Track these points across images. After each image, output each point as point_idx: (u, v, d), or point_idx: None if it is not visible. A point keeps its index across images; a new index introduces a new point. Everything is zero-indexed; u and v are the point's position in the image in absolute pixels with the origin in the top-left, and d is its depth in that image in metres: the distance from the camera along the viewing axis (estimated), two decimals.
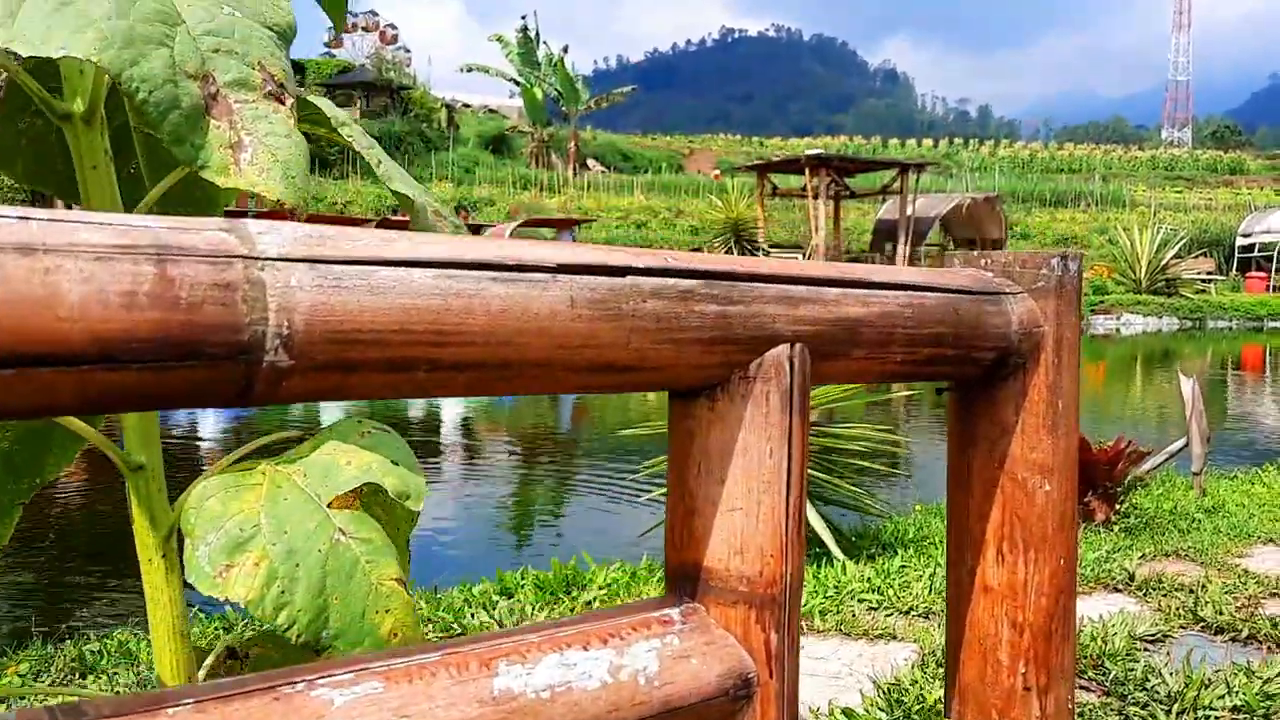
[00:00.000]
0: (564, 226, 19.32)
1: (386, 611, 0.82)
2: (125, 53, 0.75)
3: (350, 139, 0.96)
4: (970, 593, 1.02)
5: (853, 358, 0.84)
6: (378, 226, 12.75)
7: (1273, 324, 25.10)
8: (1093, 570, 3.50)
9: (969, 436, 1.02)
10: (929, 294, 0.89)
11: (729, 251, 23.77)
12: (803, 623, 2.97)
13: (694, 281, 0.74)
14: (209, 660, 1.04)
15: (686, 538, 0.80)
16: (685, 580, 0.81)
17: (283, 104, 0.81)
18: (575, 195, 33.11)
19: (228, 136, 0.77)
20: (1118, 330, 23.90)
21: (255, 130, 0.78)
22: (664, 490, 0.86)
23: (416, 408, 11.16)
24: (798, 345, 0.79)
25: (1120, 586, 3.39)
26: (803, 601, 3.13)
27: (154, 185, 0.99)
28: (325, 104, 0.96)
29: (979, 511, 1.01)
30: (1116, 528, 4.10)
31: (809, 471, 3.29)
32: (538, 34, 39.77)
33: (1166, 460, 4.96)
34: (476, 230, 17.63)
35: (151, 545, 0.95)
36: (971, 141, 66.01)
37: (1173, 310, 24.99)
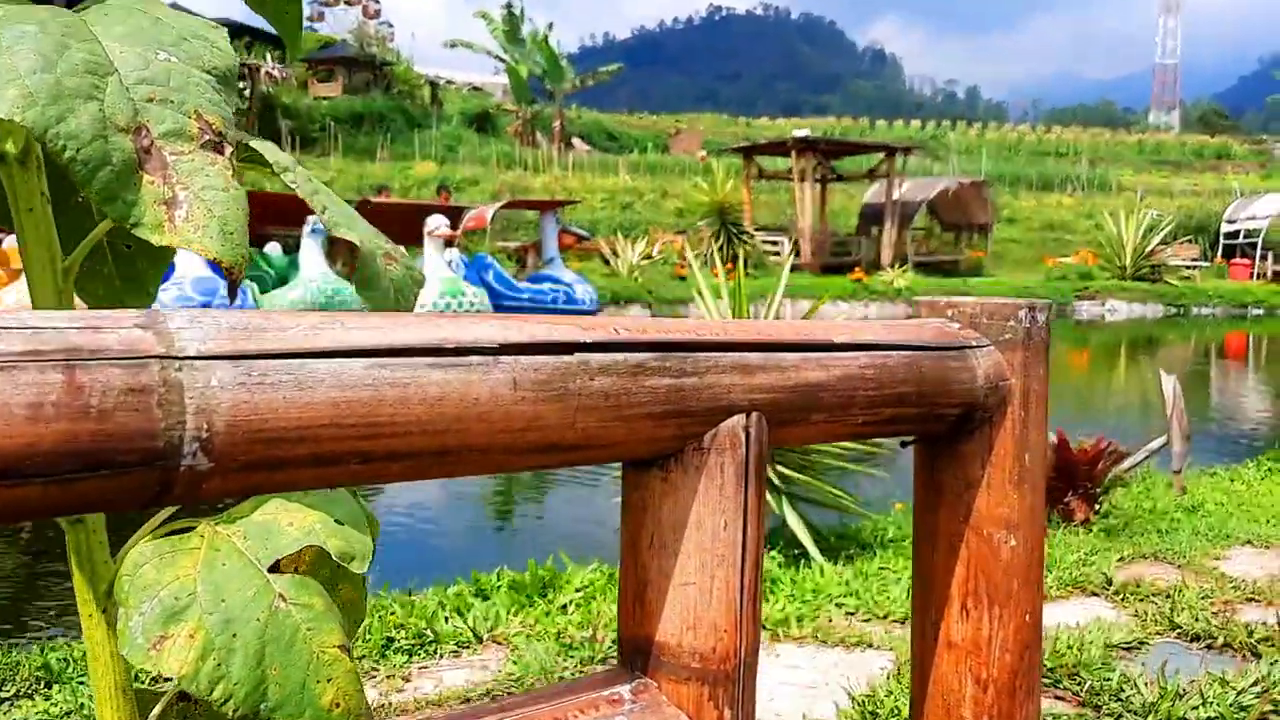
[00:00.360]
0: (547, 209, 19.18)
1: (328, 680, 0.80)
2: (50, 110, 0.71)
3: (294, 185, 0.93)
4: (934, 647, 1.00)
5: (812, 422, 0.82)
6: (358, 207, 12.60)
7: (1256, 312, 25.22)
8: (1071, 574, 3.50)
9: (934, 489, 1.00)
10: (892, 353, 0.86)
11: (716, 234, 23.72)
12: (778, 629, 2.96)
13: (646, 354, 0.71)
14: (157, 709, 1.01)
15: (639, 611, 0.78)
16: (637, 655, 0.78)
17: (221, 154, 0.78)
18: (560, 175, 32.96)
19: (162, 192, 0.74)
20: (1103, 317, 23.99)
21: (191, 184, 0.75)
22: None
23: None
24: (754, 414, 0.77)
25: (1098, 591, 3.39)
26: (780, 606, 3.12)
27: (102, 217, 0.95)
28: (268, 148, 0.93)
29: (944, 565, 0.99)
30: (1096, 528, 4.11)
31: (787, 472, 3.28)
32: (523, 11, 39.54)
33: (1147, 458, 4.96)
34: (458, 212, 17.52)
35: (91, 601, 0.92)
36: (959, 124, 66.00)
37: (1157, 297, 25.08)
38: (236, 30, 39.89)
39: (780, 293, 4.20)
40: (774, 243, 25.54)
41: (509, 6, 39.34)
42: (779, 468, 3.74)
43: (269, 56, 20.64)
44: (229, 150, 0.78)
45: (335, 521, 0.86)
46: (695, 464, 0.75)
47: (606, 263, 22.35)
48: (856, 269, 24.33)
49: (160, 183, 0.74)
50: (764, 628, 3.00)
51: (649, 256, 23.47)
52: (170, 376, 0.53)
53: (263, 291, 15.43)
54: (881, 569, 3.58)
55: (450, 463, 0.64)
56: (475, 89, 51.95)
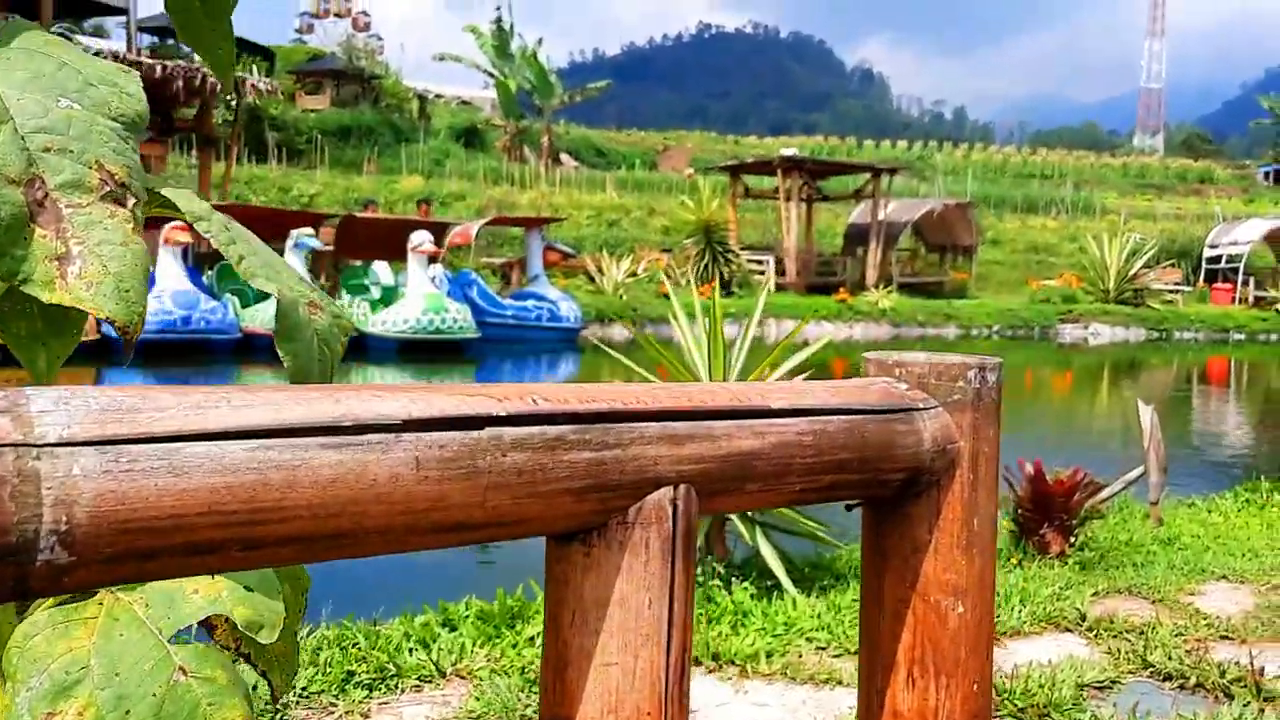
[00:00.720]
0: (532, 226, 19.16)
1: None
2: None
3: (209, 234, 0.89)
4: (880, 717, 0.96)
5: (746, 492, 0.79)
6: (341, 222, 12.56)
7: (1237, 337, 25.36)
8: (1044, 609, 3.47)
9: (880, 553, 0.96)
10: (833, 418, 0.83)
11: (701, 253, 23.73)
12: (747, 665, 2.92)
13: (565, 427, 0.67)
14: None
15: (559, 691, 0.74)
16: None
17: (123, 206, 0.74)
18: (547, 191, 32.95)
19: (54, 247, 0.70)
20: (1086, 340, 24.07)
21: (87, 239, 0.71)
22: None
23: None
24: (682, 487, 0.73)
25: (1071, 627, 3.36)
26: (750, 641, 3.08)
27: None
28: (182, 196, 0.89)
29: (890, 632, 0.95)
30: (1071, 560, 4.08)
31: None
32: (512, 26, 39.59)
33: (1124, 489, 4.95)
34: (442, 228, 17.47)
35: None
36: (946, 144, 66.36)
37: (1140, 320, 25.19)
38: None
39: (758, 314, 4.16)
40: (759, 262, 25.57)
41: (499, 21, 39.41)
42: None
43: (255, 69, 20.60)
44: (133, 202, 0.75)
45: (244, 588, 0.82)
46: (619, 539, 0.72)
47: (592, 280, 22.34)
48: (841, 289, 24.38)
49: (53, 237, 0.70)
50: (732, 663, 2.96)
51: (634, 274, 23.46)
52: (27, 467, 0.49)
53: (245, 305, 15.36)
54: (854, 601, 3.54)
55: (347, 546, 0.60)
56: (464, 103, 51.96)
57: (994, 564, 0.96)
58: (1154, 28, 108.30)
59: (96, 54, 0.84)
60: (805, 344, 4.50)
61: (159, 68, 17.18)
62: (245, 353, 14.64)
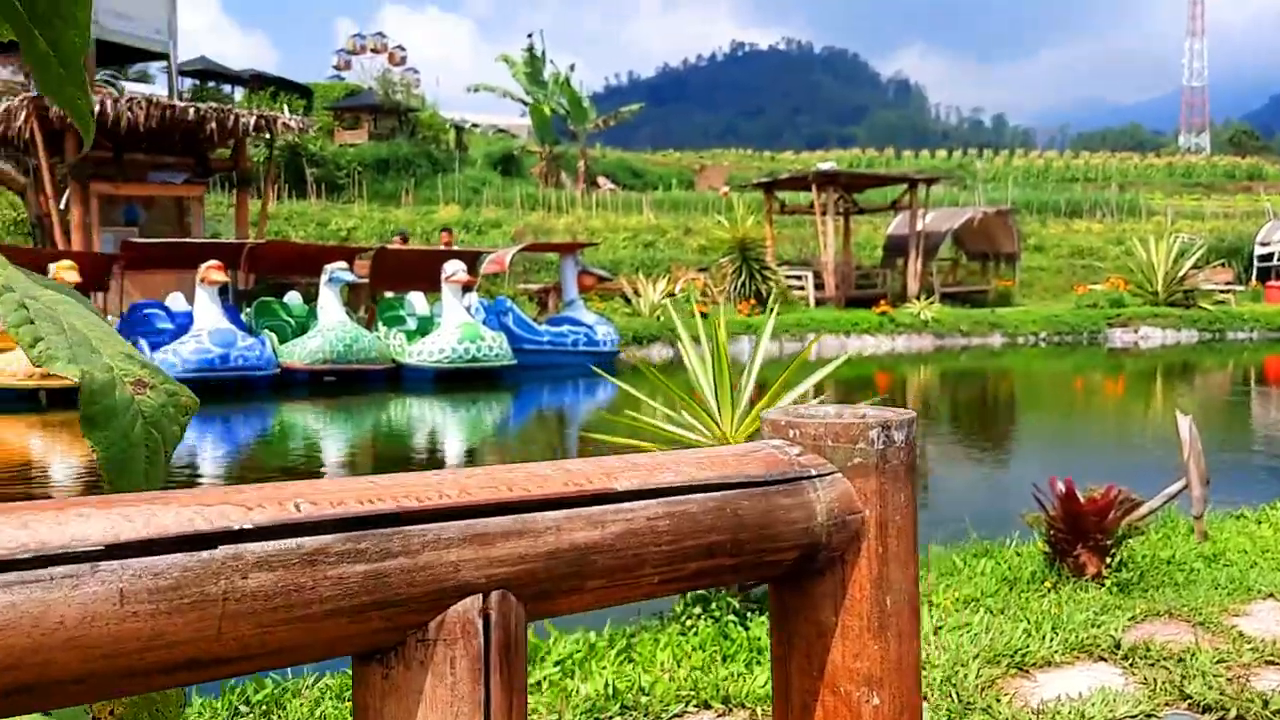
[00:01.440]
0: (567, 251, 19.15)
1: None
2: None
3: None
4: None
5: (587, 590, 0.68)
6: (375, 255, 12.63)
7: None
8: (1077, 636, 3.30)
9: (784, 637, 0.85)
10: (696, 496, 0.72)
11: (737, 271, 23.58)
12: (758, 708, 2.79)
13: (331, 536, 0.57)
14: None
15: None
16: None
17: None
18: (584, 215, 33.01)
19: None
20: (1136, 344, 23.57)
21: None
22: None
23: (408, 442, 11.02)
24: (495, 594, 0.62)
25: (1106, 655, 3.19)
26: (763, 682, 2.95)
27: None
28: None
29: None
30: (1109, 582, 3.90)
31: None
32: (544, 54, 39.83)
33: (1165, 504, 4.75)
34: (475, 257, 17.49)
35: None
36: (986, 151, 65.72)
37: (1191, 322, 24.61)
38: (263, 81, 40.51)
39: (765, 337, 4.02)
40: (798, 277, 25.37)
41: (530, 49, 39.67)
42: None
43: (287, 108, 20.87)
44: None
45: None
46: (419, 658, 0.61)
47: (628, 302, 22.27)
48: (882, 301, 24.09)
49: None
50: (743, 705, 2.83)
51: (671, 294, 23.36)
52: None
53: (282, 341, 15.46)
54: None
55: (36, 699, 0.50)
56: (500, 131, 52.34)
57: (916, 647, 0.84)
58: (1194, 26, 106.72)
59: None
60: (843, 358, 4.33)
61: (192, 110, 17.41)
62: (284, 388, 14.73)
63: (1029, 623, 3.41)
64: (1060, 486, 4.05)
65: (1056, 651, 3.20)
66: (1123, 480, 8.67)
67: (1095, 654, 3.21)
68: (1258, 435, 11.50)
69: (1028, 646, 3.18)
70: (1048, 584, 3.92)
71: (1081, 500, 3.99)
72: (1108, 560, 3.96)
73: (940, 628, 3.44)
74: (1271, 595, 3.79)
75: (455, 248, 20.13)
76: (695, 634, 3.33)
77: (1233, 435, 11.39)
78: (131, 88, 36.48)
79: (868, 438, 0.80)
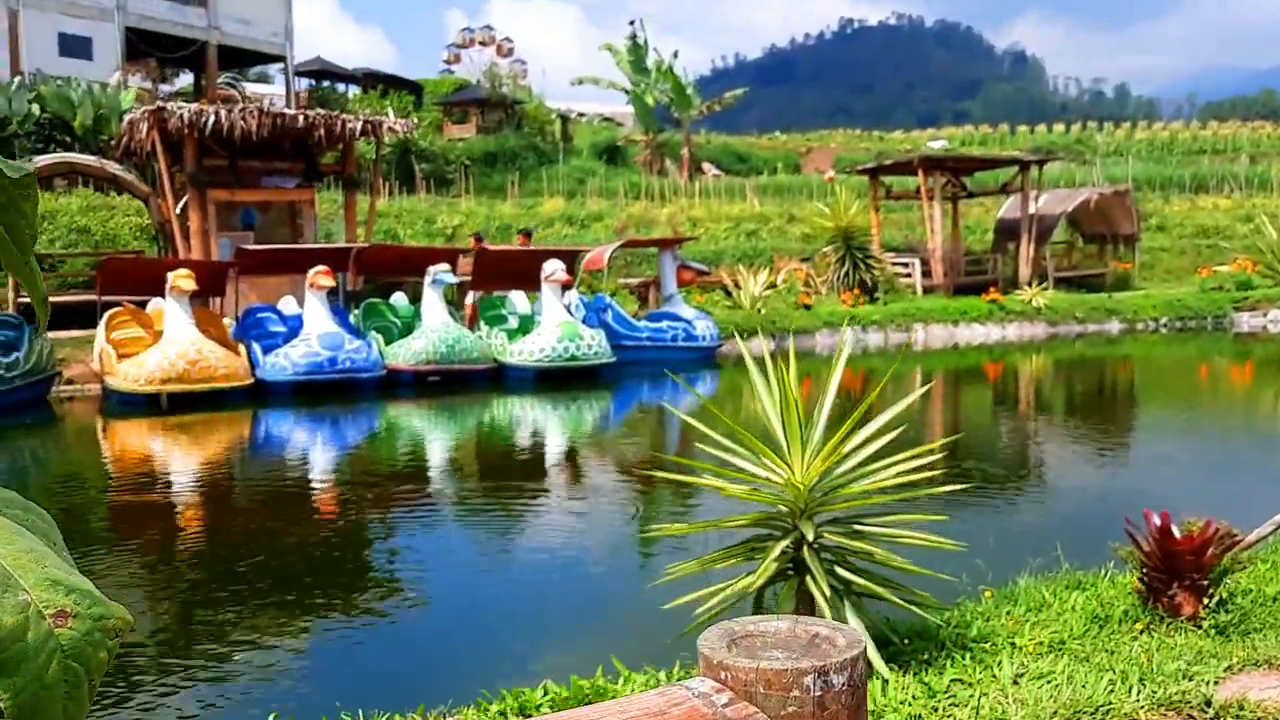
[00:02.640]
0: (665, 246, 19.11)
1: None
2: None
3: None
4: None
5: None
6: (476, 255, 12.85)
7: None
8: (1166, 690, 3.14)
9: None
10: None
11: (840, 260, 23.22)
12: None
13: None
14: None
15: None
16: None
17: None
18: (687, 205, 32.88)
19: None
20: (1265, 328, 22.47)
21: None
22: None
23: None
24: None
25: (1195, 714, 3.03)
26: None
27: None
28: None
29: None
30: (1206, 624, 3.70)
31: (848, 575, 3.00)
32: (646, 41, 39.74)
33: (1274, 531, 4.49)
34: (573, 256, 17.57)
35: None
36: (1106, 124, 63.35)
37: None
38: (375, 79, 41.43)
39: (839, 371, 3.88)
40: (904, 265, 24.87)
41: (634, 37, 39.62)
42: (839, 570, 3.49)
43: (390, 110, 21.27)
44: None
45: None
46: None
47: (729, 295, 22.14)
48: (992, 289, 23.45)
49: None
50: None
51: (773, 285, 23.14)
52: None
53: (388, 342, 15.81)
54: (955, 682, 3.28)
55: None
56: (606, 120, 52.53)
57: None
58: None
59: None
60: (921, 391, 4.17)
61: (301, 118, 17.91)
62: (390, 389, 15.07)
63: (1115, 672, 3.25)
64: (1155, 520, 3.86)
65: (1143, 707, 3.05)
66: (1242, 483, 8.29)
67: (1184, 711, 3.05)
68: None
69: (1110, 703, 3.03)
70: (1140, 625, 3.75)
71: (1177, 535, 3.80)
72: (1205, 600, 3.76)
73: (1021, 675, 3.31)
74: None
75: (550, 246, 20.28)
76: None
77: None
78: (252, 89, 37.73)
79: (802, 685, 0.74)
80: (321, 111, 18.37)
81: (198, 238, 18.42)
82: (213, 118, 17.15)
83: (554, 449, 11.27)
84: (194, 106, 17.36)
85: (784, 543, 3.39)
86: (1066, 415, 12.86)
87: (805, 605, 3.52)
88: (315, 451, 11.53)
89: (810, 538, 3.30)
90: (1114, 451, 9.93)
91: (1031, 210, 24.49)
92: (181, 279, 13.89)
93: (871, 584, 3.46)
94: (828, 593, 3.29)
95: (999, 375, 17.35)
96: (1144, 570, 3.86)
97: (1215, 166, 40.88)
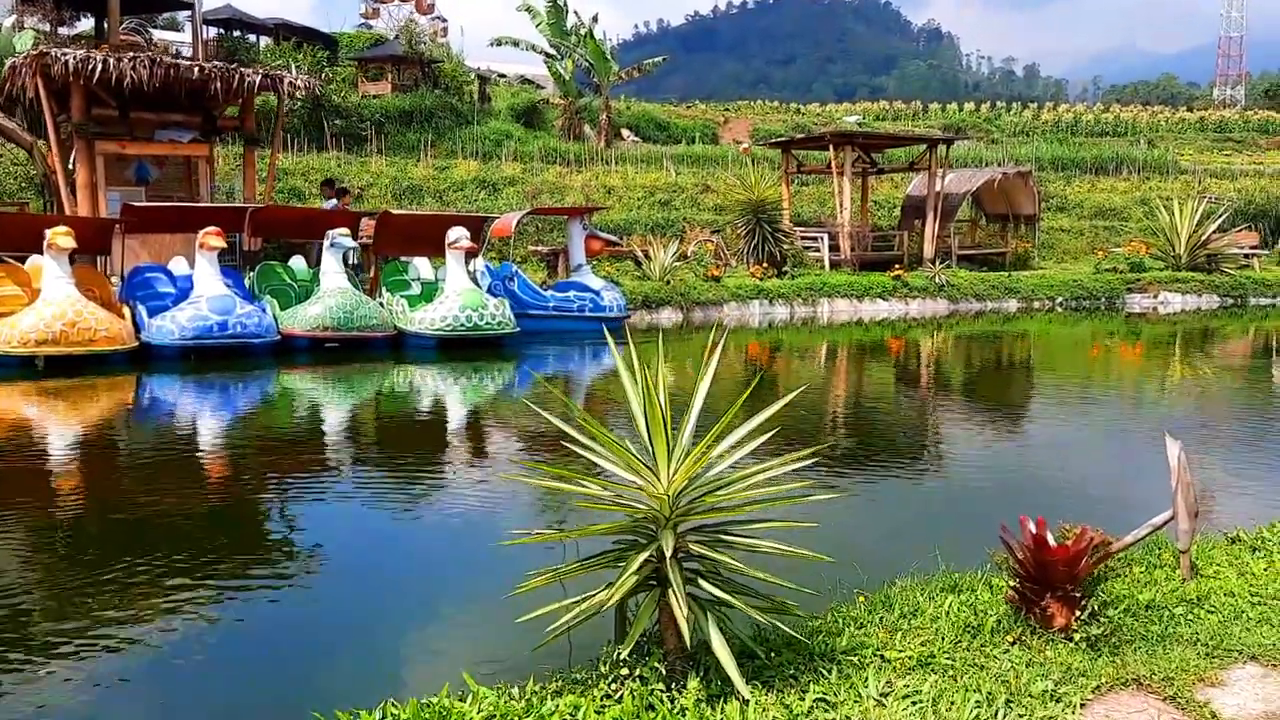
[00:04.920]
0: (574, 215, 18.81)
1: None
2: None
3: None
4: None
5: None
6: (378, 219, 12.43)
7: None
8: (1033, 713, 3.04)
9: None
10: None
11: (750, 233, 23.18)
12: None
13: None
14: None
15: None
16: None
17: None
18: (602, 172, 32.53)
19: None
20: (1154, 309, 23.09)
21: None
22: None
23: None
24: None
25: None
26: None
27: None
28: None
29: None
30: (1078, 636, 3.63)
31: (711, 589, 2.83)
32: (566, 3, 39.02)
33: (1150, 533, 4.47)
34: (480, 223, 17.13)
35: None
36: (1014, 105, 64.45)
37: (1213, 288, 24.10)
38: (289, 31, 39.98)
39: (708, 376, 3.67)
40: (813, 239, 24.95)
41: (553, 0, 38.86)
42: (702, 582, 3.33)
43: (292, 66, 20.44)
44: None
45: None
46: None
47: (639, 265, 21.95)
48: (897, 265, 23.67)
49: None
50: None
51: (684, 256, 23.01)
52: None
53: (284, 307, 15.28)
54: (818, 701, 3.15)
55: None
56: (526, 81, 51.63)
57: None
58: None
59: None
60: (794, 393, 4.00)
61: (197, 70, 17.10)
62: (285, 355, 14.58)
63: (982, 693, 3.16)
64: (1031, 528, 3.78)
65: None
66: (1122, 461, 8.38)
67: None
68: (1266, 410, 11.11)
69: None
70: (1011, 636, 3.66)
71: (1052, 543, 3.73)
72: (1077, 612, 3.69)
73: (888, 694, 3.20)
74: (1254, 658, 3.52)
75: (457, 213, 19.75)
76: (619, 702, 3.10)
77: (1240, 409, 11.03)
78: (160, 35, 36.08)
79: None
80: (219, 63, 17.55)
81: (84, 191, 17.56)
82: (100, 65, 16.28)
83: (437, 429, 10.84)
84: (80, 53, 16.43)
85: (643, 555, 3.21)
86: (960, 395, 12.96)
87: (668, 618, 3.36)
88: (192, 420, 11.04)
89: (669, 550, 3.13)
90: (1003, 436, 10.00)
91: (938, 189, 24.73)
92: (60, 236, 13.20)
93: (733, 597, 3.30)
94: (685, 611, 3.12)
95: (898, 351, 17.49)
96: (1018, 580, 3.79)
97: (1116, 149, 41.87)
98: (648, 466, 3.31)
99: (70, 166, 18.17)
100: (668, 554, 3.11)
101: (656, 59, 44.07)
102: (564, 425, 3.62)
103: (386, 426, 10.78)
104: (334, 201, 18.97)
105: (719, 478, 3.43)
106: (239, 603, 4.98)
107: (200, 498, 7.35)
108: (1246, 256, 26.14)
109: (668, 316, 20.25)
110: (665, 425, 3.24)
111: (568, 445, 3.60)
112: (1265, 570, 4.46)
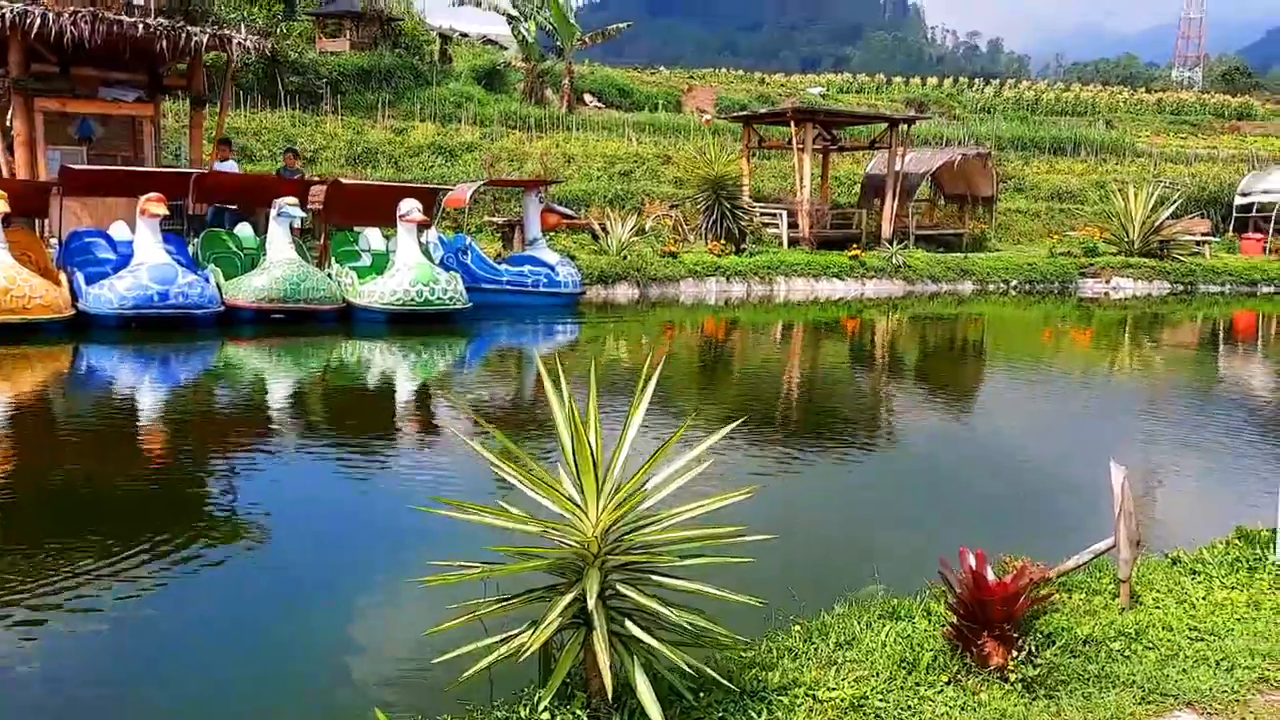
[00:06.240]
0: (530, 188, 18.51)
1: None
2: None
3: None
4: None
5: None
6: (328, 187, 12.02)
7: (1267, 289, 24.43)
8: None
9: None
10: None
11: (710, 209, 23.00)
12: None
13: None
14: None
15: None
16: None
17: None
18: (563, 139, 32.13)
19: None
20: (1106, 295, 23.28)
21: None
22: None
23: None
24: None
25: None
26: None
27: None
28: None
29: None
30: (1014, 677, 3.56)
31: (636, 632, 2.68)
32: None
33: (1092, 559, 4.41)
34: (433, 194, 16.80)
35: None
36: (977, 81, 64.61)
37: (1164, 274, 24.33)
38: None
39: (637, 420, 3.53)
40: (772, 215, 24.83)
41: None
42: (628, 624, 3.20)
43: (248, 21, 19.87)
44: None
45: None
46: None
47: (596, 239, 21.72)
48: (854, 245, 23.64)
49: None
50: None
51: (641, 231, 22.82)
52: None
53: (230, 275, 14.92)
54: None
55: None
56: (490, 41, 50.88)
57: None
58: None
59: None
60: (729, 428, 3.86)
61: (141, 26, 16.56)
62: (229, 326, 14.25)
63: None
64: (970, 561, 3.70)
65: None
66: (1066, 445, 8.37)
67: None
68: (1213, 402, 11.18)
69: None
70: (946, 676, 3.58)
71: (991, 578, 3.64)
72: (1015, 651, 3.62)
73: None
74: (1190, 704, 3.47)
75: (410, 183, 19.33)
76: None
77: (1187, 399, 11.10)
78: None
79: None
80: (164, 21, 17.00)
81: (23, 149, 17.01)
82: (38, 20, 15.70)
83: (374, 415, 10.52)
84: (17, 6, 15.83)
85: (567, 598, 3.08)
86: (910, 384, 12.94)
87: (593, 659, 3.23)
88: (121, 392, 10.75)
89: (594, 593, 3.00)
90: (953, 432, 9.97)
91: (898, 168, 24.68)
92: None
93: (659, 638, 3.18)
94: (607, 659, 3.00)
95: (851, 333, 17.47)
96: (956, 616, 3.71)
97: (1074, 130, 42.13)
98: (575, 503, 3.17)
99: (8, 123, 17.59)
100: (592, 598, 2.98)
101: (621, 24, 43.57)
102: (489, 456, 3.46)
103: (317, 408, 10.49)
104: (232, 163, 18.29)
105: (650, 513, 3.31)
106: (130, 604, 4.79)
107: (110, 476, 7.12)
108: (1198, 244, 26.40)
109: (624, 292, 20.09)
110: (594, 464, 3.10)
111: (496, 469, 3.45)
112: (1204, 599, 4.43)
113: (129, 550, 5.45)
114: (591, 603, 2.96)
